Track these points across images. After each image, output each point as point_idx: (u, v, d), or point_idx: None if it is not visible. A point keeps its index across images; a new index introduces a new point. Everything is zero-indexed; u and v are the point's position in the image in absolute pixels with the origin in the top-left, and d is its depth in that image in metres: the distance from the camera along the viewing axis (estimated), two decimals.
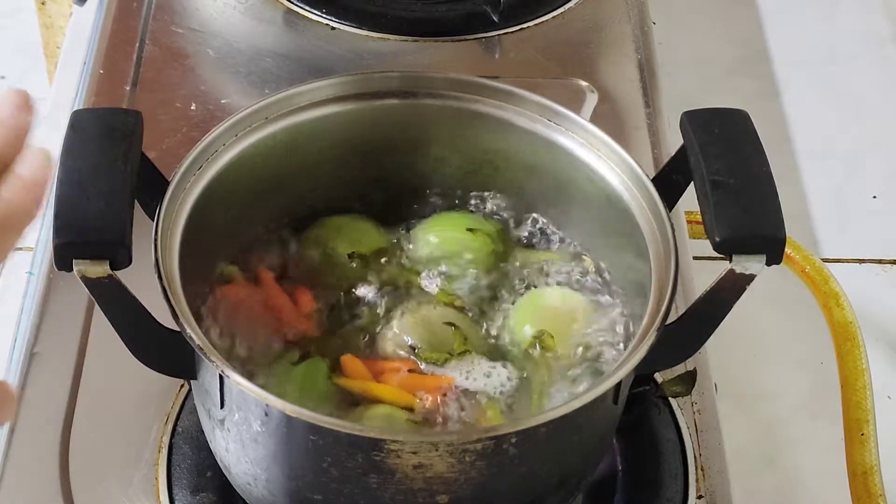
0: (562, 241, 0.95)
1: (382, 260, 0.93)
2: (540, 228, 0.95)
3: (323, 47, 1.28)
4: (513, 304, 0.91)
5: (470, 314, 0.91)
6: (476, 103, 0.91)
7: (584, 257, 0.94)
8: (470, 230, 0.94)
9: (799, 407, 1.20)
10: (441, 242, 0.93)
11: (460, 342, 0.87)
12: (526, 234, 0.96)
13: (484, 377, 0.86)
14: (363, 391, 0.86)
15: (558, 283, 0.92)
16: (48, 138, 0.71)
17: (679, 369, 1.00)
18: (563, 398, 0.85)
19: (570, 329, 0.89)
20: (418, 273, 0.93)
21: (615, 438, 0.96)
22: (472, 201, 0.96)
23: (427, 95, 0.92)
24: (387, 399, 0.85)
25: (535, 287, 0.92)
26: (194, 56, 1.26)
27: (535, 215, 0.96)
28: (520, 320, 0.90)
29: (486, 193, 0.96)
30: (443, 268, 0.93)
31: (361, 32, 1.29)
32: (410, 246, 0.94)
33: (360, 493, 0.78)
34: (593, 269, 0.93)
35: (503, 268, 0.93)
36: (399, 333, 0.88)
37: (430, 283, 0.92)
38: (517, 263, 0.94)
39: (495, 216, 0.96)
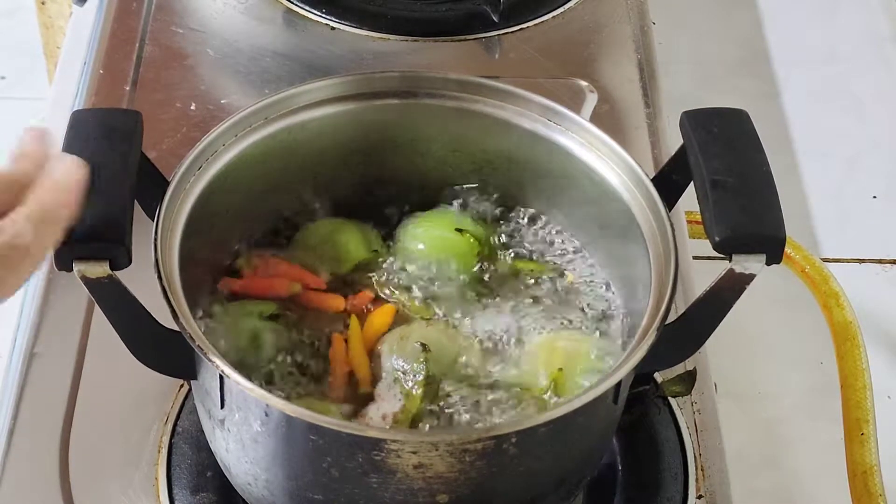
0: (556, 245, 0.95)
1: (370, 275, 0.92)
2: (538, 228, 0.96)
3: (323, 47, 1.28)
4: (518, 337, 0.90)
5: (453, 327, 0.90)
6: (476, 103, 0.91)
7: (565, 273, 0.93)
8: (458, 230, 0.94)
9: (799, 407, 1.21)
10: (428, 241, 0.93)
11: (418, 363, 0.87)
12: (523, 232, 0.96)
13: (391, 400, 0.85)
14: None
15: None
16: None
17: (679, 369, 1.00)
18: None
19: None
20: (401, 287, 0.92)
21: (615, 438, 0.96)
22: (472, 201, 0.96)
23: (427, 95, 0.92)
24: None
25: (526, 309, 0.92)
26: (194, 56, 1.26)
27: (533, 213, 0.96)
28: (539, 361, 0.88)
29: (485, 193, 0.96)
30: (431, 270, 0.93)
31: (361, 32, 1.29)
32: (395, 258, 0.94)
33: (360, 492, 0.78)
34: (570, 283, 0.92)
35: (486, 279, 0.93)
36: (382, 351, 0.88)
37: (409, 296, 0.92)
38: (499, 270, 0.93)
39: (494, 215, 0.96)
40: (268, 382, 0.86)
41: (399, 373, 0.86)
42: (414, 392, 0.85)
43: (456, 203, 0.96)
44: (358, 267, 0.93)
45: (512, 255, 0.94)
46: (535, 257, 0.95)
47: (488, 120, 0.91)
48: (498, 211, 0.96)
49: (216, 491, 0.93)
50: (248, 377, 0.76)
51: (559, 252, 0.95)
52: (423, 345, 0.87)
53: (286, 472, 0.80)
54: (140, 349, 0.81)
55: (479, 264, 0.93)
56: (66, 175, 0.72)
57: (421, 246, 0.93)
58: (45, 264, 1.05)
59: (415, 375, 0.86)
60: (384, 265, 0.93)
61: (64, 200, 0.71)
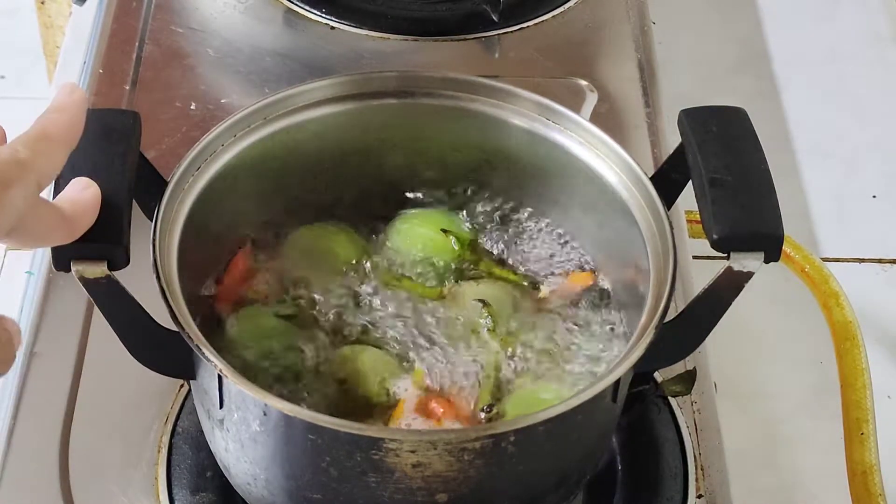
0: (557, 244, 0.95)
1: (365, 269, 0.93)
2: (536, 227, 0.96)
3: (323, 47, 1.28)
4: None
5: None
6: (475, 103, 0.91)
7: (539, 286, 0.93)
8: (444, 231, 0.94)
9: (799, 407, 1.20)
10: (414, 239, 0.94)
11: (482, 318, 0.88)
12: (520, 231, 0.95)
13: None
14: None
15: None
16: None
17: (679, 368, 1.00)
18: None
19: None
20: (399, 276, 0.93)
21: (615, 438, 0.96)
22: (470, 201, 0.96)
23: (425, 95, 0.92)
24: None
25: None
26: (194, 56, 1.27)
27: (532, 212, 0.96)
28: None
29: (483, 192, 0.96)
30: (417, 268, 0.93)
31: (361, 32, 1.29)
32: (383, 254, 0.94)
33: (359, 492, 0.78)
34: (545, 295, 0.92)
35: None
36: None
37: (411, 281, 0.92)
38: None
39: (491, 214, 0.96)
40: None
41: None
42: (488, 339, 0.87)
43: (453, 203, 0.96)
44: (349, 267, 0.93)
45: (495, 259, 0.95)
46: (527, 257, 0.95)
47: (487, 119, 0.91)
48: (496, 210, 0.96)
49: (216, 491, 0.93)
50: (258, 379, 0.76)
51: (554, 250, 0.95)
52: (482, 301, 0.88)
53: (285, 471, 0.80)
54: (139, 349, 0.81)
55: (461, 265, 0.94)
56: (66, 96, 0.71)
57: (407, 244, 0.94)
58: (45, 265, 1.06)
59: (483, 330, 0.87)
60: (376, 260, 0.93)
61: (65, 121, 0.70)
